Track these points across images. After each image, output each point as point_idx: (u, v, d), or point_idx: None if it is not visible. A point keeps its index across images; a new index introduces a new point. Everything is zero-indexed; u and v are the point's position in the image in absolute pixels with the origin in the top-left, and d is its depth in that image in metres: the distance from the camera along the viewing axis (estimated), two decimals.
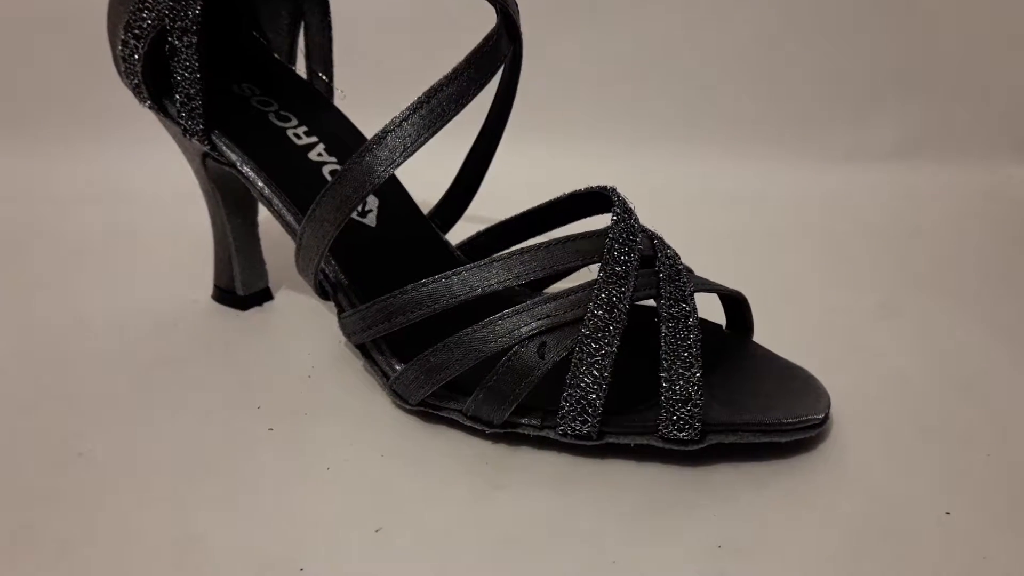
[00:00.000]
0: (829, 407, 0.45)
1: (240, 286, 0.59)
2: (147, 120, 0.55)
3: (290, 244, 0.49)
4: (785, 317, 0.58)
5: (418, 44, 0.87)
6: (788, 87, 0.93)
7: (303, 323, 0.58)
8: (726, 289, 0.49)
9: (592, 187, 0.52)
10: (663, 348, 0.42)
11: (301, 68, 0.59)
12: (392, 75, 0.81)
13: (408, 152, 0.42)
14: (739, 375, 0.47)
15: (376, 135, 0.42)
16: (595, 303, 0.43)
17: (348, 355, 0.53)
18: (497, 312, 0.43)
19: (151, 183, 0.79)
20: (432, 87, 0.42)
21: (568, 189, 0.53)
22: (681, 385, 0.41)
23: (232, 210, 0.57)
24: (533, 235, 0.56)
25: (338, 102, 0.58)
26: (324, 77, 0.58)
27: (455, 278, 0.44)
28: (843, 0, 0.91)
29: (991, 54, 0.93)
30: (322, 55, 0.57)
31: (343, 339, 0.55)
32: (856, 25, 0.92)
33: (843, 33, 0.92)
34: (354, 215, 0.53)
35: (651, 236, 0.48)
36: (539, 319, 0.43)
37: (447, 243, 0.56)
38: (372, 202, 0.54)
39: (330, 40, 0.57)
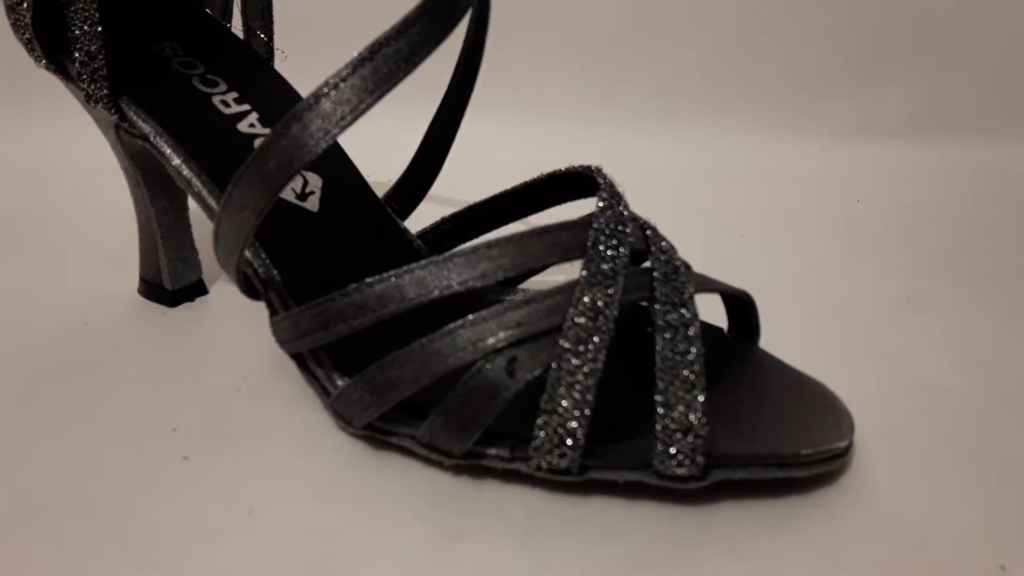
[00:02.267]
0: (853, 431, 0.37)
1: (168, 279, 0.51)
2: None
3: None
4: (795, 314, 0.52)
5: None
6: (787, 57, 0.85)
7: (240, 322, 0.50)
8: (730, 288, 0.41)
9: (574, 167, 0.44)
10: (659, 364, 0.35)
11: (237, 27, 0.51)
12: (343, 33, 0.72)
13: (346, 121, 0.34)
14: (746, 392, 0.39)
15: (306, 100, 0.34)
16: (576, 309, 0.35)
17: (289, 363, 0.45)
18: (460, 317, 0.35)
19: (69, 155, 0.70)
20: (376, 41, 0.34)
21: (546, 167, 0.45)
22: (680, 411, 0.34)
23: (156, 191, 0.49)
24: (506, 222, 0.49)
25: (279, 64, 0.50)
26: (263, 35, 0.49)
27: (407, 277, 0.36)
28: None
29: (1005, 22, 0.85)
30: (260, 9, 0.49)
31: None
32: None
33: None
34: (291, 198, 0.45)
35: (643, 226, 0.41)
36: (508, 328, 0.35)
37: (405, 231, 0.48)
38: (315, 182, 0.46)
39: None
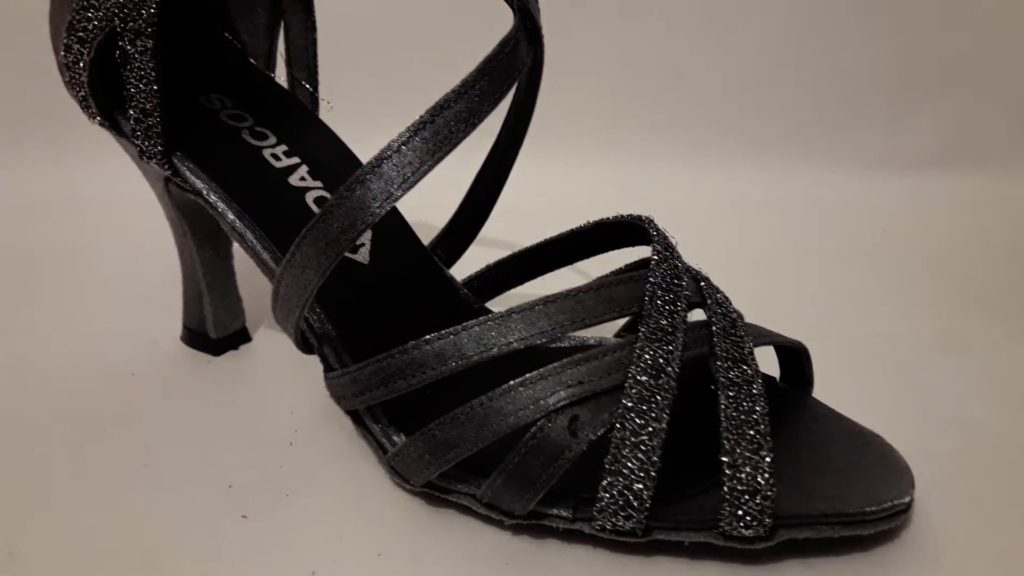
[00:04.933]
0: (913, 486, 0.37)
1: (213, 328, 0.51)
2: None
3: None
4: (829, 353, 0.50)
5: (418, 45, 0.78)
6: (813, 88, 0.85)
7: (285, 371, 0.50)
8: (786, 340, 0.41)
9: (623, 216, 0.44)
10: (724, 424, 0.35)
11: (281, 75, 0.51)
12: (387, 82, 0.73)
13: (409, 184, 0.34)
14: (804, 445, 0.39)
15: (370, 163, 0.34)
16: (637, 367, 0.35)
17: (338, 412, 0.45)
18: (514, 368, 0.35)
19: (108, 194, 0.70)
20: (437, 104, 0.34)
21: (571, 202, 0.45)
22: (748, 472, 0.34)
23: (202, 241, 0.49)
24: (551, 269, 0.49)
25: (324, 115, 0.50)
26: (308, 86, 0.50)
27: (465, 335, 0.36)
28: None
29: None
30: (305, 60, 0.49)
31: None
32: (886, 21, 0.84)
33: (872, 30, 0.84)
34: None
35: (696, 277, 0.41)
36: (569, 387, 0.35)
37: (452, 280, 0.48)
38: (365, 234, 0.46)
39: (314, 42, 0.49)
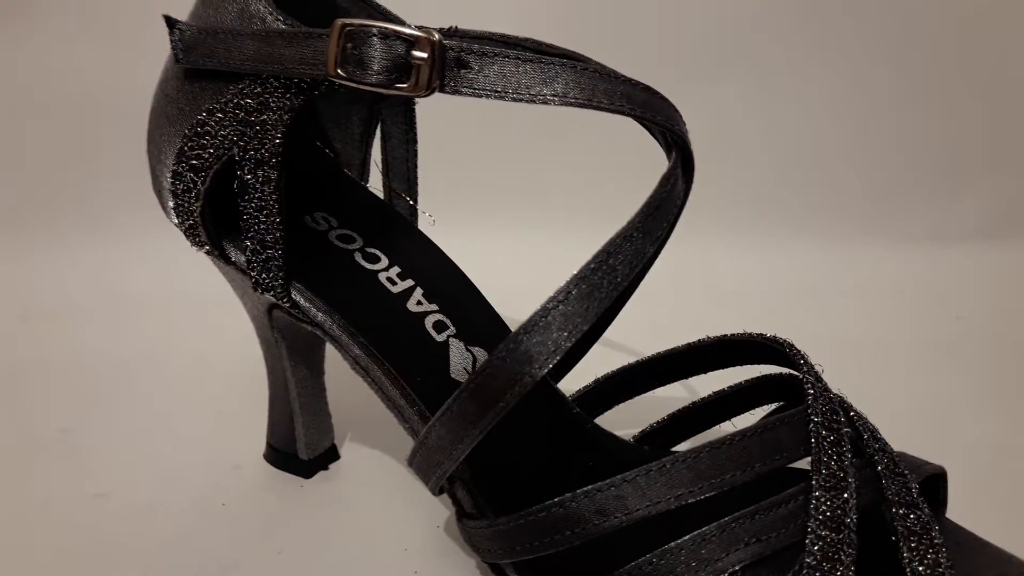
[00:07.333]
0: None
1: (304, 449, 0.48)
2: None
3: (355, 379, 0.40)
4: (946, 463, 0.49)
5: (511, 150, 0.74)
6: (867, 162, 0.85)
7: (384, 493, 0.47)
8: (936, 467, 0.40)
9: (750, 334, 0.43)
10: None
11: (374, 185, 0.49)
12: (481, 190, 0.70)
13: (577, 334, 0.32)
14: None
15: (535, 315, 0.32)
16: (817, 520, 0.33)
17: (452, 545, 0.43)
18: None
19: (169, 289, 0.67)
20: (604, 249, 0.33)
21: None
22: None
23: (298, 361, 0.46)
24: (664, 383, 0.47)
25: (425, 228, 0.48)
26: (409, 199, 0.48)
27: (627, 487, 0.34)
28: (922, 72, 0.84)
29: None
30: (405, 171, 0.48)
31: (441, 525, 0.45)
32: (937, 95, 0.85)
33: (924, 104, 0.85)
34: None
35: (842, 404, 0.39)
36: (745, 544, 0.33)
37: (564, 398, 0.46)
38: (482, 357, 0.44)
39: (416, 154, 0.47)
